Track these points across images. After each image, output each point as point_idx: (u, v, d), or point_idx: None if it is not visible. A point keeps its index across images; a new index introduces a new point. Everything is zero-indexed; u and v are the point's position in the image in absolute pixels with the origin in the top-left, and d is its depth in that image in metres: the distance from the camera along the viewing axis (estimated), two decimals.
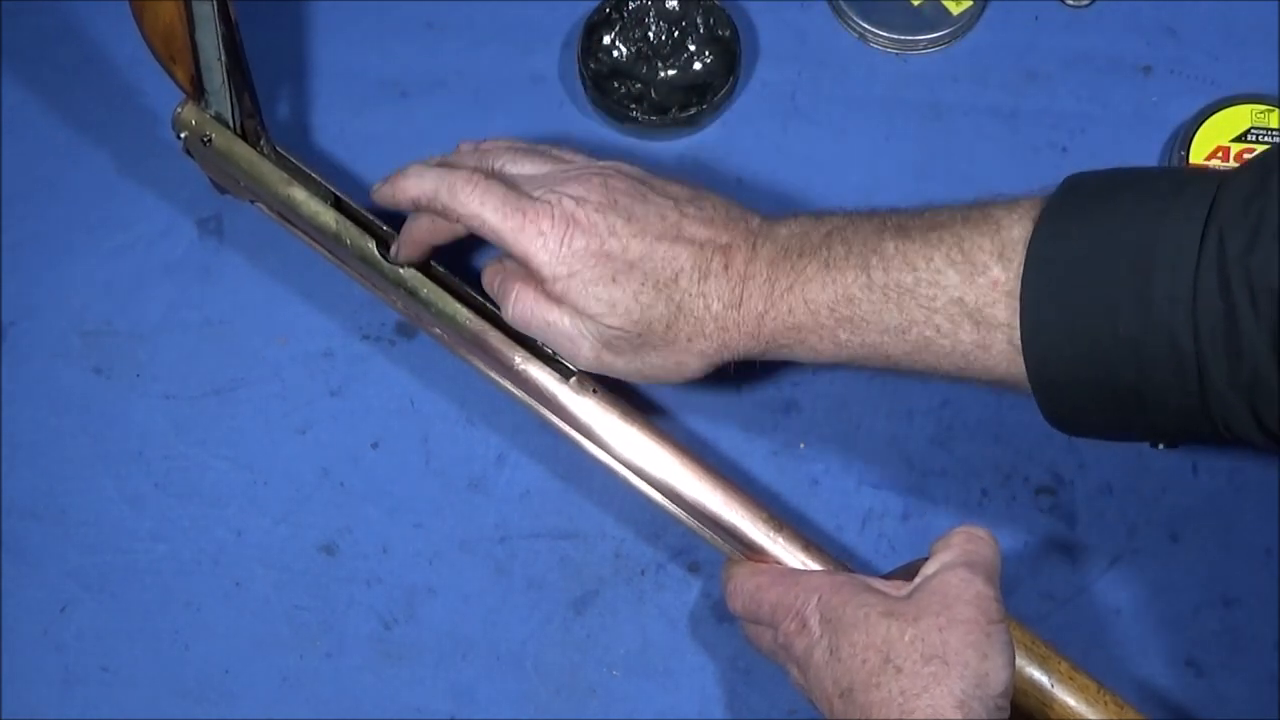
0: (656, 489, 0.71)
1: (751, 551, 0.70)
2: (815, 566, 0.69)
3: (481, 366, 0.74)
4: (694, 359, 0.69)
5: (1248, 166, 0.61)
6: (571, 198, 0.67)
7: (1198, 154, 0.81)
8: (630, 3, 0.84)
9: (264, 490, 0.78)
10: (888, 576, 0.67)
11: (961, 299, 0.62)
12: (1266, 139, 0.82)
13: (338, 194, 0.76)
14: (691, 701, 0.74)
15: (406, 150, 0.83)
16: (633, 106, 0.83)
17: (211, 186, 0.80)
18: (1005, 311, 0.62)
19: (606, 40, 0.84)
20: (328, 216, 0.74)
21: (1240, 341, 0.57)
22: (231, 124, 0.75)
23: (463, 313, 0.72)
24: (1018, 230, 0.62)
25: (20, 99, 0.85)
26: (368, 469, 0.78)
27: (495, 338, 0.72)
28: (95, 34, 0.86)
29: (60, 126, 0.84)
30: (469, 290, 0.74)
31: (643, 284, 0.67)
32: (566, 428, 0.73)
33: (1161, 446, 0.74)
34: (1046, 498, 0.77)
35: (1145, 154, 0.83)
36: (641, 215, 0.68)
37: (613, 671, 0.75)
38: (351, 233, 0.74)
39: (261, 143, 0.76)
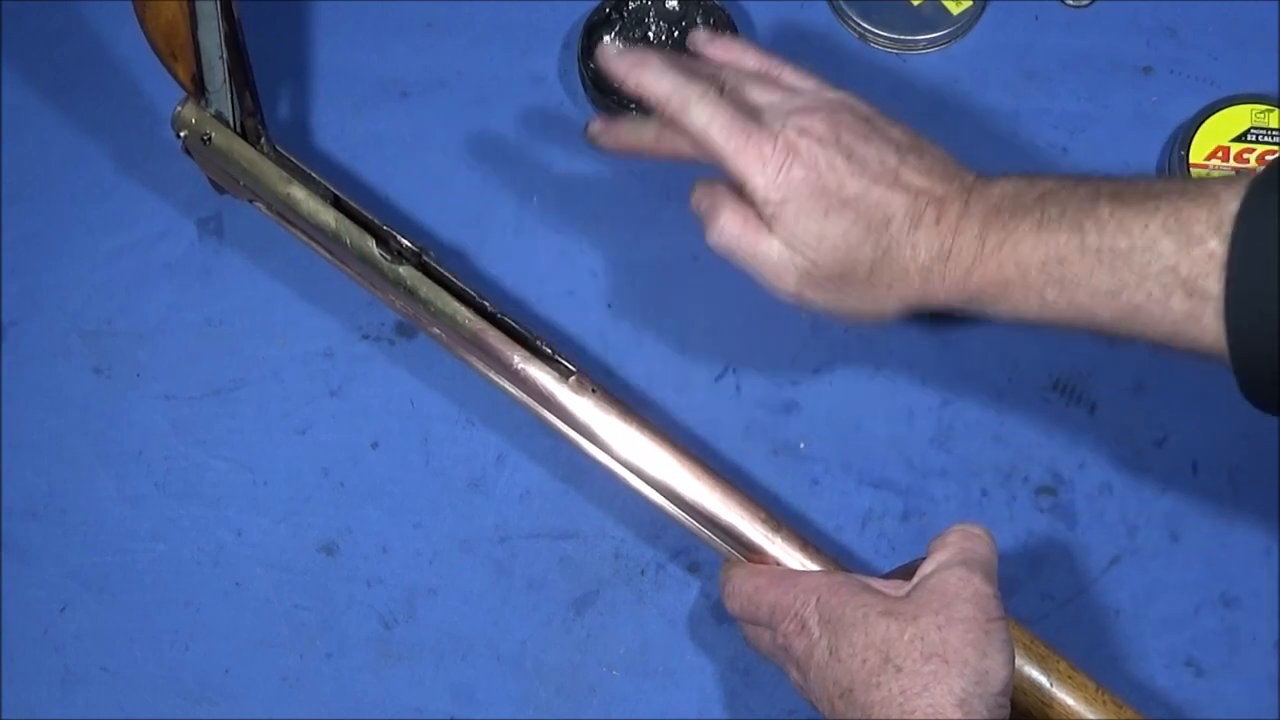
0: (655, 489, 0.71)
1: (750, 552, 0.70)
2: (814, 567, 0.69)
3: (481, 366, 0.74)
4: (893, 304, 0.69)
5: None
6: (797, 128, 0.68)
7: (1198, 154, 0.81)
8: (630, 3, 0.84)
9: (264, 490, 0.78)
10: (886, 576, 0.67)
11: (1175, 268, 0.61)
12: (1266, 139, 0.82)
13: (337, 193, 0.76)
14: (691, 701, 0.74)
15: (406, 150, 0.84)
16: (633, 106, 0.83)
17: (211, 186, 0.80)
18: (1218, 284, 0.60)
19: (606, 40, 0.84)
20: (327, 215, 0.74)
21: None
22: (232, 123, 0.75)
23: (462, 312, 0.72)
24: (1236, 204, 0.61)
25: (20, 99, 0.85)
26: (368, 469, 0.78)
27: (494, 337, 0.72)
28: (95, 34, 0.86)
29: (60, 126, 0.85)
30: (468, 289, 0.74)
31: (854, 223, 0.67)
32: (565, 428, 0.73)
33: None
34: (1046, 498, 0.77)
35: (1145, 154, 0.83)
36: (862, 156, 0.68)
37: (613, 671, 0.75)
38: (351, 232, 0.74)
39: (261, 142, 0.76)
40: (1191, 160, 0.81)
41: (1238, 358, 0.61)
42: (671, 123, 0.70)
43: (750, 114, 0.69)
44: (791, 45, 0.86)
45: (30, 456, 0.78)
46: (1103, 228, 0.63)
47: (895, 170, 0.68)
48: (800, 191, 0.67)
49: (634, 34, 0.84)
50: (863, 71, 0.86)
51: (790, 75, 0.73)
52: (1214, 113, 0.82)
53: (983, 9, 0.87)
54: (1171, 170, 0.82)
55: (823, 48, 0.86)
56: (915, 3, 0.86)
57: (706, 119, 0.69)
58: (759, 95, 0.71)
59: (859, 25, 0.86)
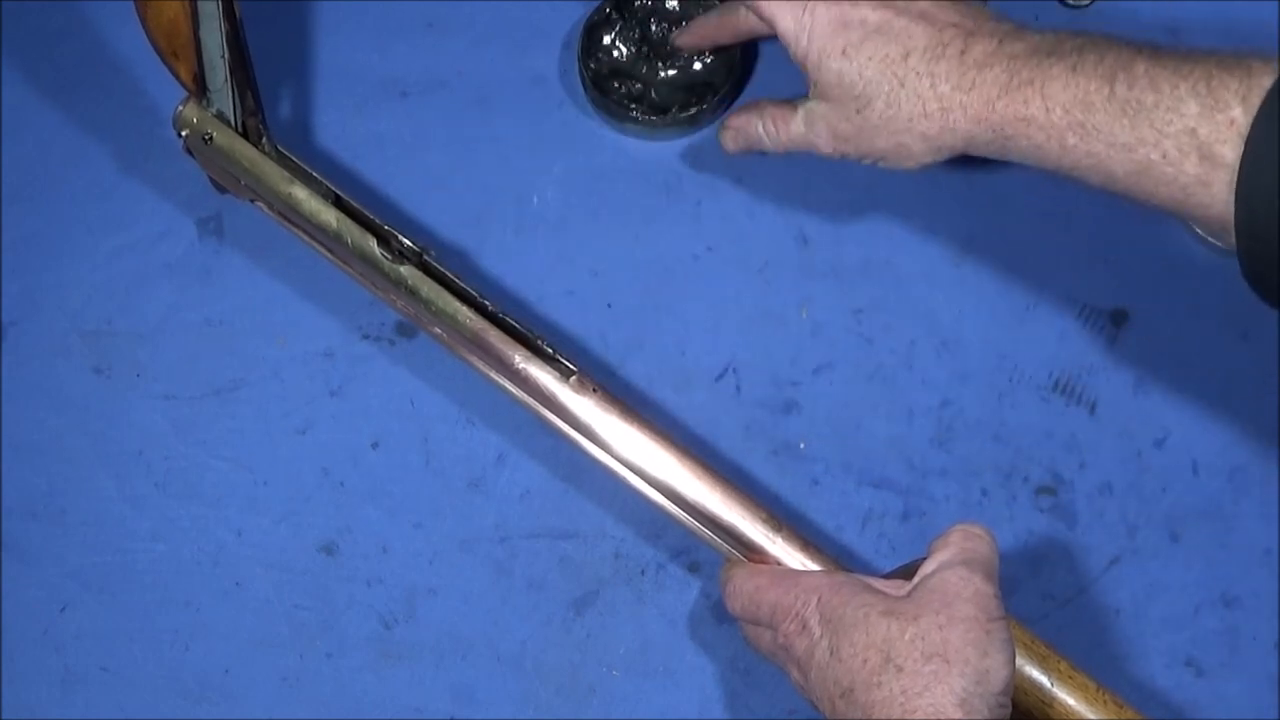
0: (656, 489, 0.71)
1: (751, 552, 0.70)
2: (814, 567, 0.69)
3: (482, 366, 0.74)
4: (916, 141, 0.70)
5: None
6: None
7: None
8: (631, 3, 0.84)
9: (264, 490, 0.78)
10: (887, 576, 0.67)
11: (1195, 130, 0.62)
12: None
13: (338, 193, 0.76)
14: (691, 701, 0.74)
15: (407, 150, 0.84)
16: (633, 106, 0.83)
17: (212, 186, 0.80)
18: (1233, 153, 0.61)
19: (606, 40, 0.84)
20: (328, 215, 0.74)
21: None
22: (233, 122, 0.75)
23: (463, 312, 0.72)
24: (1268, 79, 0.61)
25: (20, 99, 0.85)
26: (368, 469, 0.78)
27: (495, 337, 0.72)
28: (96, 33, 0.86)
29: (60, 126, 0.85)
30: (469, 289, 0.74)
31: (870, 58, 0.69)
32: (566, 427, 0.73)
33: None
34: (1046, 498, 0.77)
35: None
36: None
37: (613, 671, 0.75)
38: (353, 231, 0.74)
39: (263, 141, 0.76)
40: None
41: (1243, 233, 0.62)
42: None
43: None
44: None
45: (30, 456, 0.78)
46: (1134, 81, 0.64)
47: (923, 6, 0.70)
48: (824, 30, 0.70)
49: (634, 34, 0.84)
50: None
51: None
52: None
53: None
54: None
55: None
56: None
57: None
58: None
59: None
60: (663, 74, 0.84)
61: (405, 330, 0.80)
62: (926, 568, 0.63)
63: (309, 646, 0.75)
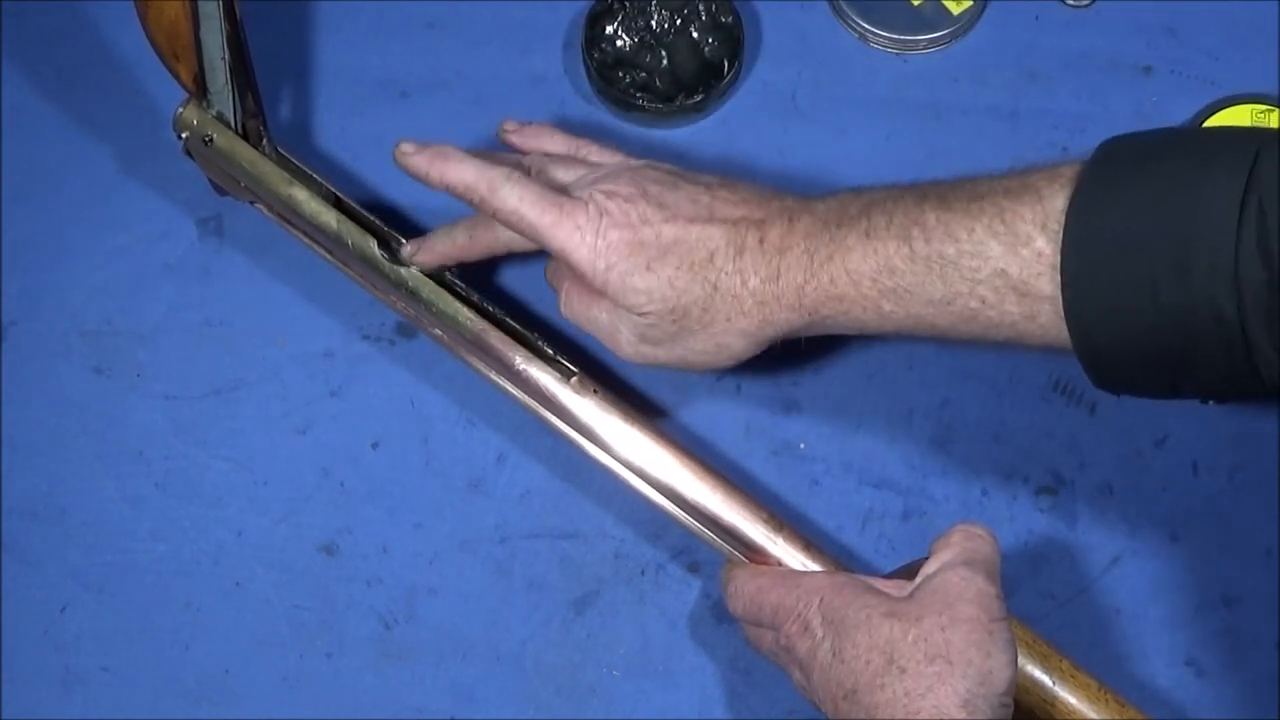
0: (657, 490, 0.71)
1: (752, 552, 0.70)
2: (816, 567, 0.69)
3: (482, 367, 0.74)
4: (736, 339, 0.68)
5: None
6: (604, 192, 0.68)
7: None
8: None
9: (264, 490, 0.78)
10: (889, 576, 0.67)
11: (1005, 270, 0.62)
12: None
13: (339, 194, 0.76)
14: (691, 701, 0.74)
15: None
16: (638, 95, 0.83)
17: (212, 188, 0.80)
18: (1050, 284, 0.61)
19: (609, 30, 0.84)
20: (329, 216, 0.74)
21: None
22: (234, 124, 0.75)
23: (463, 312, 0.72)
24: (1060, 200, 0.61)
25: (20, 99, 0.85)
26: (368, 469, 0.78)
27: (496, 338, 0.72)
28: (96, 34, 0.86)
29: (60, 126, 0.84)
30: (469, 290, 0.74)
31: (678, 268, 0.67)
32: (567, 428, 0.73)
33: (1212, 403, 0.72)
34: (1046, 498, 0.77)
35: None
36: (673, 201, 0.68)
37: (613, 671, 0.75)
38: (353, 233, 0.74)
39: (264, 143, 0.76)
40: None
41: (1085, 355, 0.62)
42: (481, 208, 0.70)
43: (559, 189, 0.70)
44: (792, 45, 0.86)
45: (30, 456, 0.78)
46: (930, 234, 0.63)
47: (709, 206, 0.68)
48: (620, 252, 0.67)
49: (637, 23, 0.84)
50: (863, 71, 0.86)
51: (595, 152, 0.74)
52: (1214, 113, 0.82)
53: (983, 9, 0.87)
54: None
55: (823, 48, 0.86)
56: (915, 3, 0.86)
57: (516, 199, 0.68)
58: (564, 173, 0.72)
59: (859, 25, 0.86)
60: (666, 62, 0.84)
61: (405, 330, 0.80)
62: (928, 568, 0.63)
63: (309, 646, 0.75)
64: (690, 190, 0.69)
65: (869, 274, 0.65)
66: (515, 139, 0.77)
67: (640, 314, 0.68)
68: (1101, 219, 0.60)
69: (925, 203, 0.65)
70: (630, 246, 0.67)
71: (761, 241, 0.67)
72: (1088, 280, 0.60)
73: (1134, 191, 0.60)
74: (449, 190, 0.70)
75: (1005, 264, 0.62)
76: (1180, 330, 0.59)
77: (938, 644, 0.59)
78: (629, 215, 0.67)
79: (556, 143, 0.76)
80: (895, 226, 0.64)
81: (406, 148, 0.71)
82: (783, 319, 0.67)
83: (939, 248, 0.63)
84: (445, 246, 0.73)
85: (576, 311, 0.71)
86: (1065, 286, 0.60)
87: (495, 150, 0.77)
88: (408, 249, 0.74)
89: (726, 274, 0.67)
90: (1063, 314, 0.61)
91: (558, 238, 0.68)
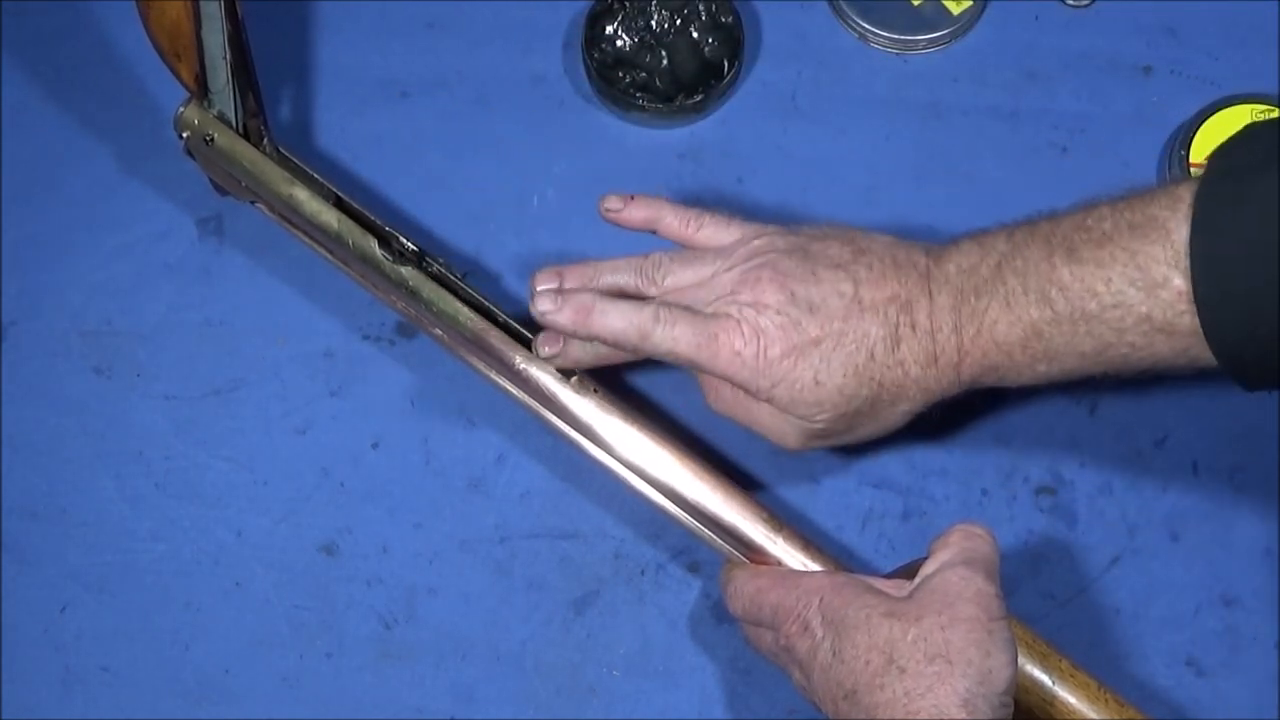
0: (657, 489, 0.71)
1: (752, 552, 0.70)
2: (816, 567, 0.69)
3: (482, 367, 0.74)
4: (902, 417, 0.69)
5: None
6: (752, 306, 0.67)
7: (1198, 154, 0.81)
8: None
9: (264, 490, 0.78)
10: (889, 576, 0.67)
11: (1149, 315, 0.62)
12: None
13: (339, 194, 0.76)
14: (691, 701, 0.74)
15: (407, 150, 0.84)
16: (638, 95, 0.83)
17: (212, 188, 0.80)
18: (1193, 320, 0.61)
19: (609, 30, 0.84)
20: (329, 216, 0.74)
21: None
22: (235, 124, 0.75)
23: (464, 312, 0.72)
24: (1185, 230, 0.61)
25: (20, 99, 0.85)
26: (368, 469, 0.78)
27: (496, 337, 0.72)
28: (97, 33, 0.86)
29: (61, 126, 0.84)
30: (469, 290, 0.74)
31: (844, 376, 0.66)
32: (567, 428, 0.73)
33: None
34: (1046, 498, 0.77)
35: (1145, 154, 0.83)
36: (820, 300, 0.67)
37: (613, 671, 0.75)
38: (354, 232, 0.74)
39: (264, 143, 0.76)
40: (1191, 160, 0.81)
41: (1235, 374, 0.62)
42: (636, 354, 0.70)
43: (699, 308, 0.68)
44: (792, 45, 0.86)
45: (30, 456, 0.78)
46: (1068, 293, 0.64)
47: (854, 295, 0.67)
48: (784, 367, 0.66)
49: (636, 23, 0.84)
50: (863, 71, 0.86)
51: (709, 222, 0.72)
52: (1214, 113, 0.82)
53: (983, 9, 0.87)
54: (1172, 171, 0.82)
55: (823, 48, 0.86)
56: (915, 3, 0.86)
57: (671, 341, 0.67)
58: (689, 275, 0.70)
59: (859, 25, 0.86)
60: (666, 61, 0.84)
61: (405, 330, 0.80)
62: (928, 568, 0.63)
63: (309, 646, 0.75)
64: (831, 279, 0.67)
65: (1018, 342, 0.65)
66: (624, 217, 0.73)
67: (814, 421, 0.68)
68: (1226, 240, 0.60)
69: (1054, 255, 0.64)
70: (793, 359, 0.66)
71: (914, 326, 0.67)
72: (1222, 308, 0.60)
73: (1250, 205, 0.60)
74: (601, 343, 0.69)
75: (1148, 309, 0.62)
76: None
77: (937, 643, 0.59)
78: (785, 328, 0.66)
79: (668, 215, 0.72)
80: (1033, 291, 0.65)
81: (545, 305, 0.68)
82: (942, 392, 0.68)
83: (1080, 305, 0.63)
84: (583, 353, 0.72)
85: (733, 410, 0.71)
86: (1202, 317, 0.61)
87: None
88: (546, 350, 0.71)
89: (888, 368, 0.67)
90: (1205, 340, 0.62)
91: (718, 367, 0.67)
